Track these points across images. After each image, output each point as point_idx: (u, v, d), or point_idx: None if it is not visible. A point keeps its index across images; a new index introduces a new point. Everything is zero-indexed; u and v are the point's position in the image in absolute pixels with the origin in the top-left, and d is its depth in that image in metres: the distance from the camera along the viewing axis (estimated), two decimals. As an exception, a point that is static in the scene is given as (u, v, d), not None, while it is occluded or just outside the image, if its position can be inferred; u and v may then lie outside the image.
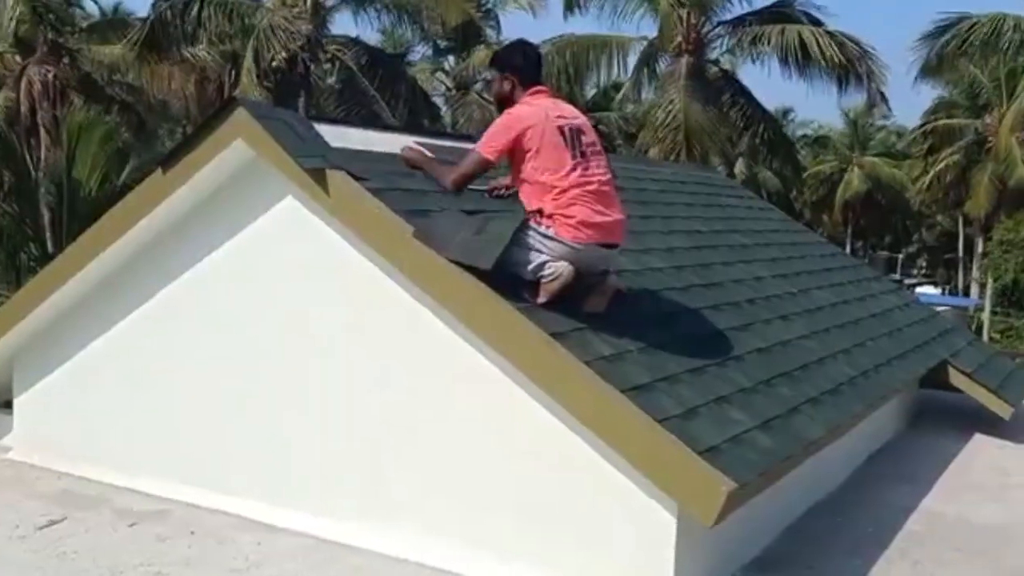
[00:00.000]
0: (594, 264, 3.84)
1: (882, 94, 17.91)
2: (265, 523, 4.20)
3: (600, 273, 3.91)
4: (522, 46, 4.12)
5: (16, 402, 5.21)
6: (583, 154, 3.76)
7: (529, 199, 3.81)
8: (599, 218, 3.72)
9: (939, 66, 20.34)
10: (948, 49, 19.24)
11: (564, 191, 3.70)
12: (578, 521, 3.64)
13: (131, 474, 4.66)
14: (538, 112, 3.79)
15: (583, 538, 3.63)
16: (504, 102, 3.95)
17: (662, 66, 19.05)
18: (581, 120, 3.92)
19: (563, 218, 3.68)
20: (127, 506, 4.45)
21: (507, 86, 3.92)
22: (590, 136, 3.87)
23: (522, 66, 3.97)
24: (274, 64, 18.35)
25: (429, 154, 4.25)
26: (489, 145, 3.83)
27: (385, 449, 4.06)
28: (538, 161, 3.73)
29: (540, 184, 3.75)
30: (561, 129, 3.76)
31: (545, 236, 3.70)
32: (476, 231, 3.71)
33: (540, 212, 3.74)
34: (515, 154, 3.80)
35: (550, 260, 3.71)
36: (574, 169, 3.71)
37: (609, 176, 3.85)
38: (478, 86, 23.74)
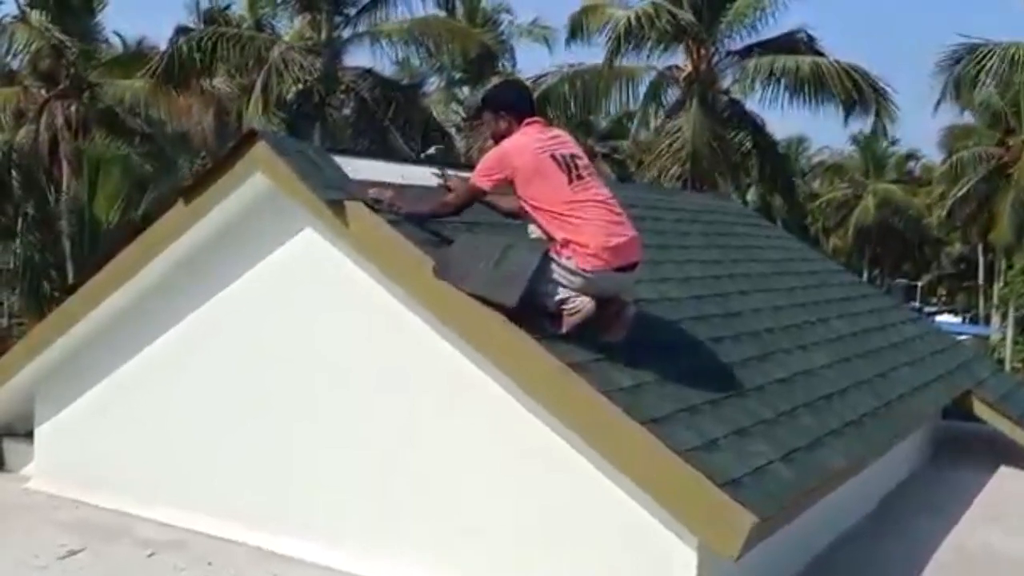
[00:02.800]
0: (611, 291, 3.84)
1: (884, 123, 18.01)
2: (280, 554, 4.18)
3: (618, 302, 3.90)
4: (511, 84, 4.29)
5: (37, 431, 5.23)
6: (580, 176, 3.82)
7: (542, 226, 3.84)
8: (614, 240, 3.73)
9: (956, 93, 20.37)
10: (965, 76, 19.26)
11: (571, 214, 3.72)
12: (596, 554, 3.59)
13: (151, 504, 4.66)
14: (529, 141, 3.86)
15: (601, 572, 3.58)
16: (502, 140, 4.01)
17: (671, 95, 19.19)
18: (574, 147, 3.99)
19: (578, 247, 3.69)
20: (146, 536, 4.45)
21: (503, 124, 3.99)
22: (585, 160, 3.94)
23: (515, 102, 4.06)
24: (288, 96, 18.58)
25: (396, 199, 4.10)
26: (482, 175, 3.90)
27: (404, 482, 4.04)
28: (536, 188, 3.79)
29: (547, 212, 3.78)
30: (554, 155, 3.83)
31: (565, 268, 3.70)
32: (495, 263, 3.70)
33: (556, 240, 3.76)
34: (513, 183, 3.85)
35: (573, 295, 3.70)
36: (574, 191, 3.76)
37: (611, 195, 3.89)
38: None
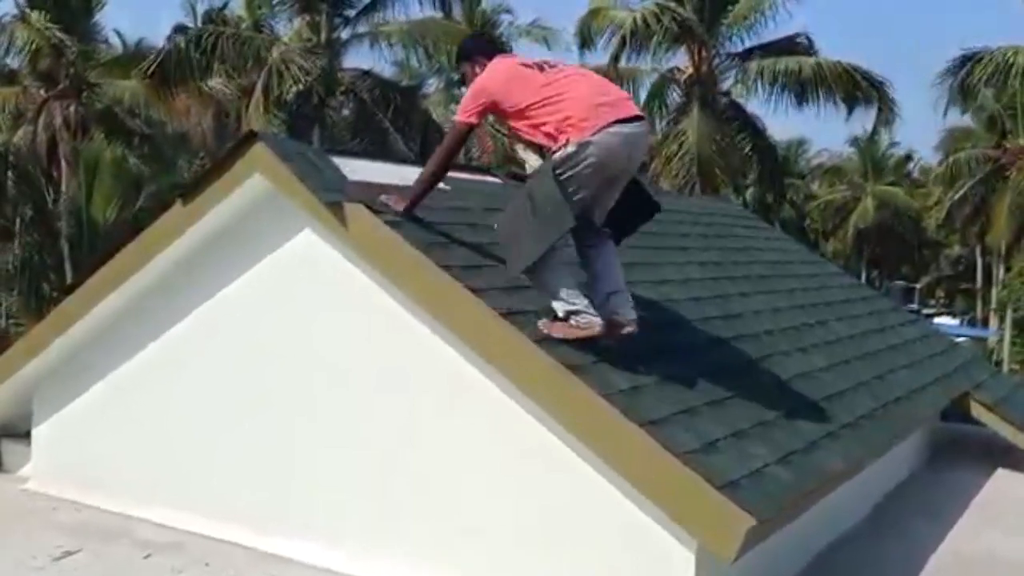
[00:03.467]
0: (624, 151, 3.71)
1: (886, 120, 18.14)
2: (279, 555, 4.18)
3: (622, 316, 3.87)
4: (477, 34, 4.40)
5: (35, 432, 5.23)
6: (552, 66, 3.90)
7: (534, 134, 3.82)
8: (605, 97, 3.74)
9: (961, 98, 20.50)
10: (968, 81, 19.41)
11: (552, 94, 3.72)
12: (595, 555, 3.59)
13: (149, 505, 4.66)
14: (499, 66, 3.95)
15: (600, 572, 3.58)
16: None
17: (673, 98, 19.24)
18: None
19: (567, 121, 3.66)
20: (144, 537, 4.44)
21: (479, 69, 4.05)
22: (558, 63, 3.99)
23: (484, 46, 4.23)
24: (288, 97, 18.58)
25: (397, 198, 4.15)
26: (464, 111, 3.97)
27: (404, 482, 4.03)
28: (514, 96, 3.81)
29: (530, 108, 3.76)
30: (524, 63, 3.94)
31: (567, 156, 3.63)
32: (532, 211, 3.66)
33: (548, 136, 3.73)
34: (497, 107, 3.87)
35: (585, 308, 3.70)
36: (548, 76, 3.79)
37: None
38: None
